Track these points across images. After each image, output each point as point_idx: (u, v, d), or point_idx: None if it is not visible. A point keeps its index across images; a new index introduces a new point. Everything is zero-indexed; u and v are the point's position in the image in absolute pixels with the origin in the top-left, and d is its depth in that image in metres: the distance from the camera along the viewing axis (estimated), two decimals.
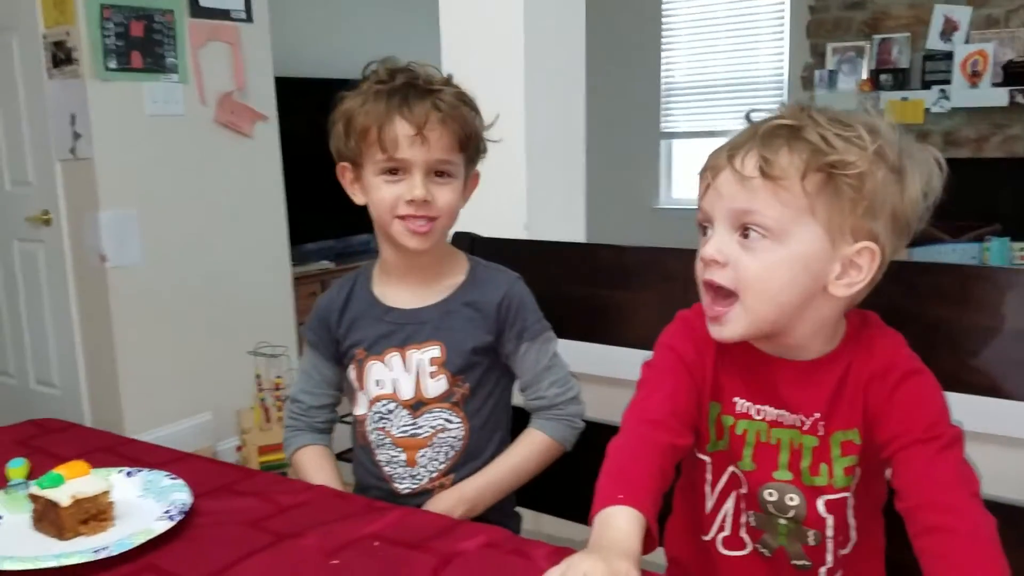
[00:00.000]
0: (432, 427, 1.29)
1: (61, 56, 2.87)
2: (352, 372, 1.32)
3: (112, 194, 2.94)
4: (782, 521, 1.01)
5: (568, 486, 1.47)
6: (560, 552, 0.92)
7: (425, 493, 1.30)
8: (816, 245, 0.90)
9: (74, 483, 1.03)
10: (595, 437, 1.36)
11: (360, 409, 1.33)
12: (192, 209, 3.18)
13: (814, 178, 0.89)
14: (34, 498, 1.04)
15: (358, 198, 1.28)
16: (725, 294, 0.94)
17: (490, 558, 0.94)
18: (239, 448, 3.12)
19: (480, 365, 1.29)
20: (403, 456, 1.30)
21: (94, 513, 1.03)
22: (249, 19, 3.31)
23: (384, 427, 1.30)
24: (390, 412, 1.30)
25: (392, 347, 1.28)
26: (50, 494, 1.01)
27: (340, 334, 1.33)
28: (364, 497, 1.20)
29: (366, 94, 1.22)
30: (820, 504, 0.99)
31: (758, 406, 1.00)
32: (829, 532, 1.00)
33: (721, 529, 1.05)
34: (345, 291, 1.34)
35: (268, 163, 3.45)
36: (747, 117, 0.97)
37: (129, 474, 1.15)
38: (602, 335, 1.41)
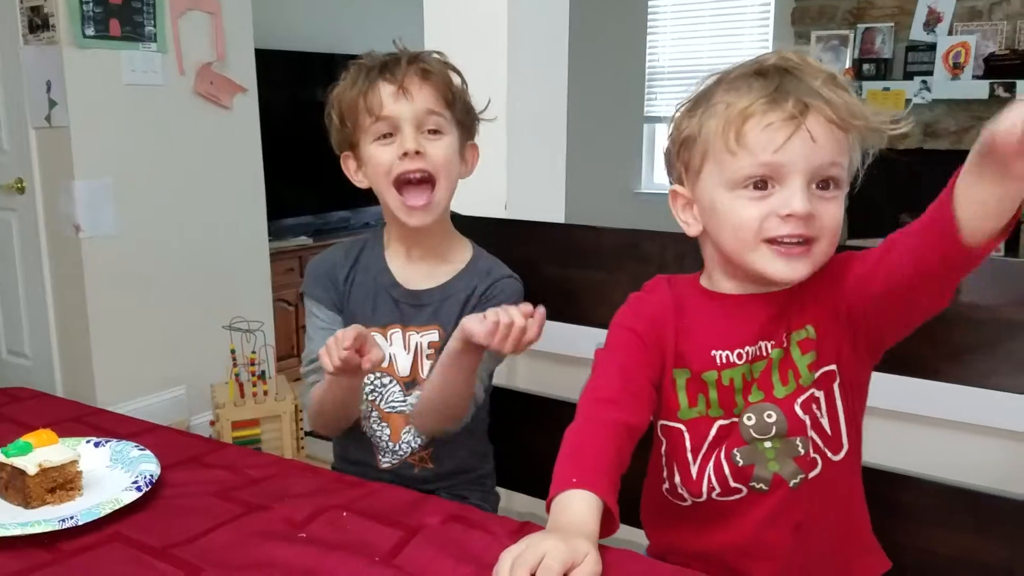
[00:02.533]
0: None
1: (38, 22, 2.83)
2: None
3: (87, 163, 2.90)
4: (767, 444, 1.01)
5: (536, 463, 1.48)
6: (523, 528, 0.93)
7: (406, 467, 1.31)
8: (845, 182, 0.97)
9: (42, 452, 1.02)
10: (568, 416, 1.37)
11: None
12: (169, 180, 3.14)
13: (864, 126, 0.94)
14: (0, 466, 1.03)
15: (363, 184, 1.30)
16: (809, 244, 0.95)
17: (454, 532, 0.94)
18: (212, 423, 3.11)
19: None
20: (388, 431, 1.31)
21: (61, 482, 1.02)
22: None
23: (374, 400, 1.31)
24: (384, 386, 1.30)
25: (395, 323, 1.29)
26: (17, 462, 1.01)
27: (345, 295, 1.32)
28: (335, 471, 1.20)
29: (351, 76, 1.26)
30: (797, 408, 1.00)
31: (739, 350, 1.01)
32: (811, 432, 1.00)
33: (712, 489, 1.04)
34: (353, 255, 1.34)
35: (247, 136, 3.42)
36: (758, 68, 0.98)
37: (97, 444, 1.15)
38: (576, 315, 1.41)
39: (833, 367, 1.00)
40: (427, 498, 1.04)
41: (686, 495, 1.07)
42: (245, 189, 3.44)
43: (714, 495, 1.05)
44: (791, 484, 1.02)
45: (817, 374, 1.00)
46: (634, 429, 0.98)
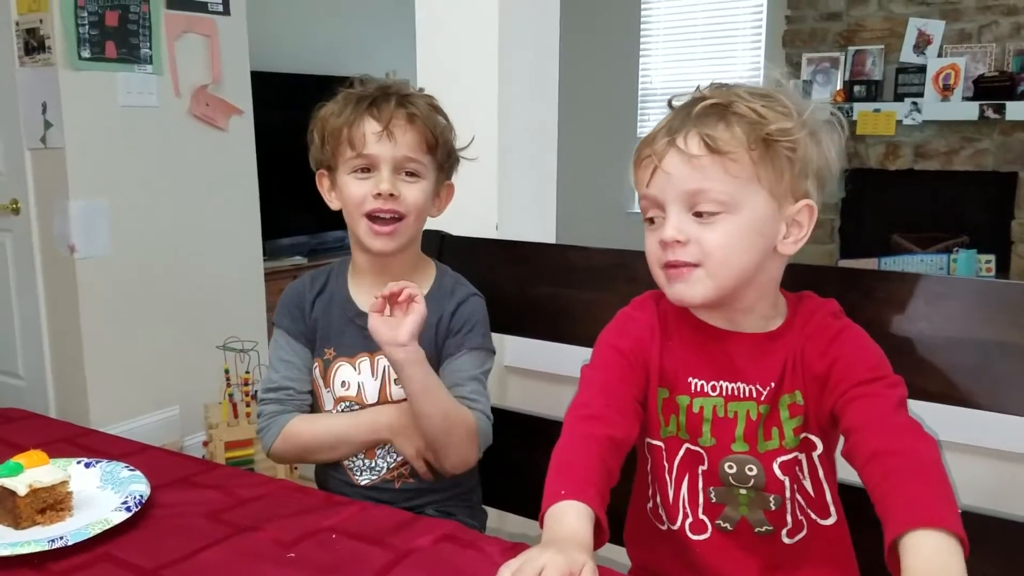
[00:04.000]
0: None
1: (34, 44, 2.84)
2: (316, 369, 1.33)
3: (83, 184, 2.91)
4: (743, 491, 1.03)
5: (526, 482, 1.48)
6: (515, 547, 0.93)
7: (386, 483, 1.31)
8: (765, 210, 0.97)
9: (32, 472, 1.03)
10: (557, 435, 1.37)
11: (326, 406, 1.33)
12: (164, 201, 3.15)
13: (757, 148, 0.95)
14: None
15: (334, 204, 1.31)
16: (688, 268, 0.98)
17: (445, 552, 0.95)
18: (205, 443, 3.10)
19: (441, 372, 1.28)
20: (361, 452, 1.31)
21: (51, 503, 1.02)
22: (226, 12, 3.29)
23: None
24: (353, 410, 1.30)
25: (363, 351, 1.29)
26: (7, 483, 1.01)
27: (312, 325, 1.33)
28: (323, 491, 1.20)
29: (340, 102, 1.28)
30: (776, 468, 1.02)
31: (713, 382, 1.03)
32: (787, 494, 1.03)
33: (686, 515, 1.07)
34: (319, 284, 1.35)
35: (242, 157, 3.43)
36: (669, 103, 1.03)
37: (88, 465, 1.15)
38: (567, 335, 1.42)
39: (815, 438, 1.02)
40: (417, 518, 1.05)
41: (664, 517, 1.08)
42: (240, 209, 3.45)
43: (687, 523, 1.06)
44: (756, 531, 1.04)
45: (801, 438, 1.02)
46: (620, 443, 0.99)
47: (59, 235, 2.94)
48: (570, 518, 0.87)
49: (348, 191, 1.26)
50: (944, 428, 1.39)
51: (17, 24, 2.87)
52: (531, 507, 1.47)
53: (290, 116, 4.16)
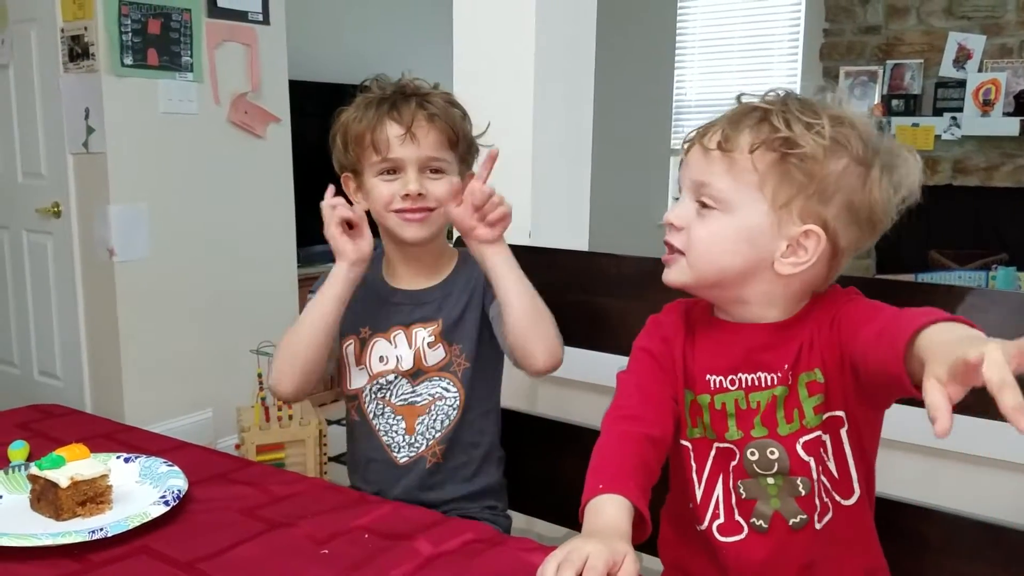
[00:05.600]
0: (431, 395, 1.33)
1: (78, 50, 2.91)
2: (351, 348, 1.36)
3: (123, 189, 2.97)
4: (770, 480, 1.02)
5: (557, 489, 1.48)
6: (546, 549, 0.93)
7: (421, 461, 1.33)
8: (761, 219, 0.97)
9: (73, 465, 1.05)
10: (589, 442, 1.37)
11: (357, 383, 1.36)
12: (202, 207, 3.20)
13: (764, 155, 0.95)
14: (33, 479, 1.05)
15: (361, 205, 1.34)
16: (676, 253, 1.02)
17: (477, 552, 0.95)
18: (237, 446, 3.13)
19: (478, 339, 1.33)
20: (402, 424, 1.34)
21: (91, 496, 1.04)
22: (266, 21, 3.34)
23: (384, 396, 1.34)
24: (390, 384, 1.34)
25: (397, 325, 1.34)
26: (50, 475, 1.03)
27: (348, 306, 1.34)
28: (357, 491, 1.21)
29: (359, 106, 1.32)
30: (799, 449, 1.01)
31: (732, 376, 1.03)
32: (815, 475, 1.01)
33: (716, 516, 1.06)
34: None
35: (279, 165, 3.48)
36: (738, 98, 1.03)
37: (127, 460, 1.17)
38: (599, 342, 1.42)
39: (840, 413, 1.01)
40: (447, 519, 1.05)
41: (694, 518, 1.08)
42: (276, 216, 3.50)
43: (716, 525, 1.06)
44: (790, 523, 1.03)
45: (824, 417, 1.01)
46: (657, 440, 1.01)
47: (99, 238, 3.00)
48: (609, 510, 0.88)
49: (376, 192, 1.30)
50: (981, 443, 1.38)
51: (62, 31, 2.94)
52: (558, 513, 1.49)
53: (326, 125, 4.24)
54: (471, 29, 1.84)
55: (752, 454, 1.03)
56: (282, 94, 3.46)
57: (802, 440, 1.01)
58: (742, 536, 1.05)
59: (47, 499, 1.04)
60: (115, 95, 2.90)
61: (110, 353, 3.05)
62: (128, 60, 2.91)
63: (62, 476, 1.02)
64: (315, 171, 3.79)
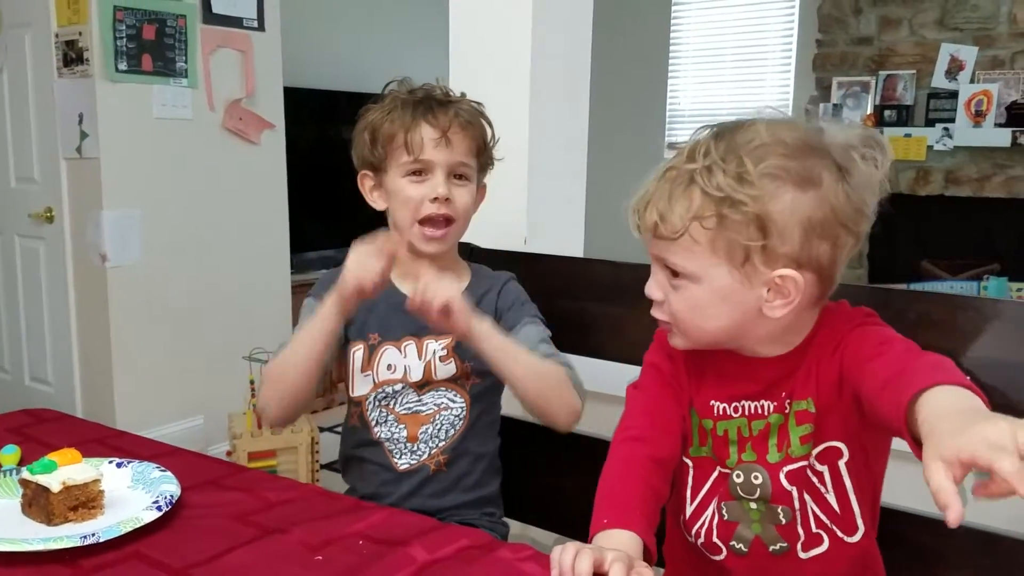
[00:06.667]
0: (436, 404, 1.33)
1: (72, 55, 2.90)
2: (359, 354, 1.34)
3: (116, 194, 2.96)
4: (752, 505, 1.02)
5: (553, 496, 1.48)
6: (541, 556, 0.93)
7: (423, 469, 1.33)
8: (726, 281, 0.93)
9: (65, 470, 1.04)
10: (585, 450, 1.37)
11: (361, 390, 1.35)
12: (195, 213, 3.19)
13: (707, 223, 0.91)
14: (25, 483, 1.04)
15: (378, 204, 1.36)
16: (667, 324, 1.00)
17: (473, 559, 0.95)
18: (229, 453, 3.12)
19: None
20: (404, 432, 1.33)
21: (83, 500, 1.04)
22: (261, 28, 3.34)
23: (388, 405, 1.33)
24: (396, 392, 1.33)
25: (409, 335, 1.32)
26: (41, 479, 1.02)
27: (353, 310, 1.31)
28: (351, 497, 1.20)
29: (391, 106, 1.32)
30: (783, 477, 1.00)
31: (735, 403, 1.03)
32: (796, 504, 1.01)
33: (697, 536, 1.07)
34: None
35: (273, 171, 3.47)
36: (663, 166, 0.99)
37: (119, 465, 1.16)
38: (593, 349, 1.42)
39: (839, 444, 0.99)
40: (443, 526, 1.05)
41: (685, 530, 1.09)
42: (270, 223, 3.49)
43: (699, 542, 1.07)
44: (770, 549, 1.03)
45: (818, 450, 1.00)
46: (663, 462, 1.00)
47: (91, 244, 2.99)
48: (617, 539, 0.88)
49: (404, 195, 1.30)
50: None
51: (57, 36, 2.93)
52: (548, 519, 1.49)
53: (321, 132, 4.26)
54: (467, 37, 1.84)
55: (738, 476, 1.03)
56: (277, 100, 3.45)
57: (786, 469, 1.00)
58: (721, 557, 1.06)
59: (39, 504, 1.03)
60: (109, 100, 2.90)
61: (102, 359, 3.04)
62: (122, 65, 2.90)
63: (54, 481, 1.01)
64: (309, 177, 3.83)
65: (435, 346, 1.32)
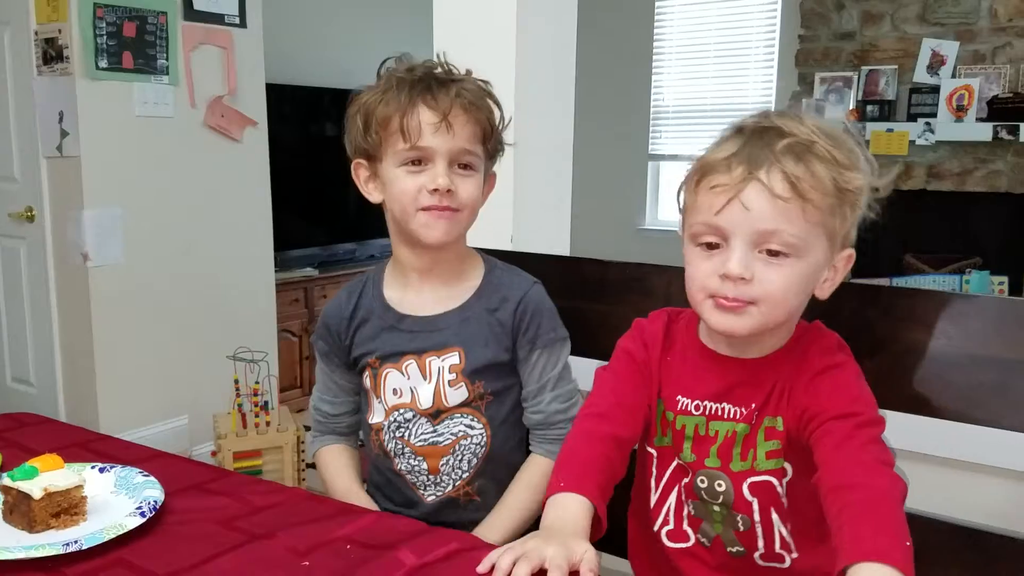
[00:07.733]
0: (453, 434, 1.24)
1: (52, 53, 2.87)
2: (367, 380, 1.28)
3: (97, 193, 2.93)
4: (715, 508, 1.05)
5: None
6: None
7: (451, 501, 1.27)
8: (823, 256, 0.96)
9: (47, 476, 1.02)
10: None
11: (376, 417, 1.28)
12: (177, 211, 3.17)
13: (833, 196, 0.92)
14: (6, 490, 1.03)
15: (373, 196, 1.24)
16: (744, 304, 0.95)
17: (461, 563, 0.94)
18: (214, 453, 3.10)
19: (502, 370, 1.25)
20: (424, 465, 1.26)
21: (66, 507, 1.02)
22: (243, 24, 3.32)
23: (403, 436, 1.26)
24: (408, 421, 1.25)
25: (409, 354, 1.24)
26: (23, 486, 1.01)
27: (351, 342, 1.29)
28: (338, 500, 1.19)
29: (386, 86, 1.18)
30: (745, 488, 1.02)
31: (697, 401, 1.04)
32: (756, 516, 1.03)
33: (665, 522, 1.10)
34: (355, 298, 1.29)
35: (256, 168, 3.45)
36: (739, 129, 0.97)
37: (102, 470, 1.15)
38: (581, 347, 1.41)
39: (787, 465, 1.01)
40: (433, 529, 1.04)
41: (649, 521, 1.11)
42: (253, 220, 3.47)
43: (665, 530, 1.09)
44: (728, 550, 1.05)
45: (778, 464, 1.02)
46: (623, 441, 1.03)
47: (73, 243, 2.96)
48: (568, 505, 0.92)
49: (400, 186, 1.17)
50: (962, 447, 1.38)
51: (36, 34, 2.90)
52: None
53: (304, 129, 4.24)
54: (451, 35, 1.83)
55: (702, 481, 1.05)
56: (259, 97, 3.43)
57: (749, 480, 1.02)
58: (689, 544, 1.08)
59: (20, 511, 1.01)
60: (90, 98, 2.87)
61: (84, 359, 3.01)
62: (103, 63, 2.88)
63: (35, 487, 1.00)
64: (292, 175, 3.80)
65: (439, 363, 1.22)
